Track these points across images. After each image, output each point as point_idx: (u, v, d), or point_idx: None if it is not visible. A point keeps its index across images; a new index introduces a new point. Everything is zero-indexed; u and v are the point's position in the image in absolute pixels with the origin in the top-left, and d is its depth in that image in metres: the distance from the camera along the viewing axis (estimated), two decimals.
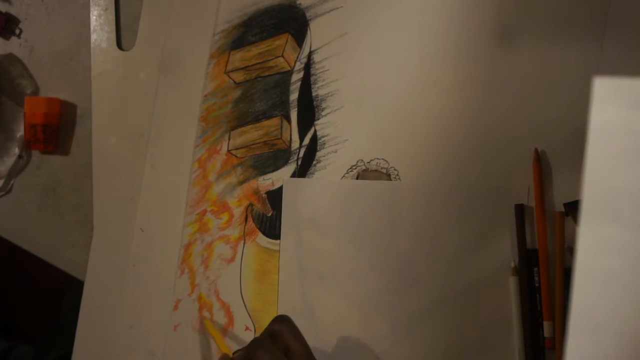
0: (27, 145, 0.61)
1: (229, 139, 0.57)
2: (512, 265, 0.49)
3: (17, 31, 0.64)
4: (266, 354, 0.43)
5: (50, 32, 0.63)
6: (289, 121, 0.56)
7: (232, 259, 0.56)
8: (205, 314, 0.56)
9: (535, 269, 0.48)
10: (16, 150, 0.63)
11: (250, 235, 0.56)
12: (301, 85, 0.55)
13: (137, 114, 0.60)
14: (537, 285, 0.48)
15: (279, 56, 0.56)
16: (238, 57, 0.57)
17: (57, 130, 0.62)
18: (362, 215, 0.53)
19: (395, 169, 0.53)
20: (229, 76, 0.58)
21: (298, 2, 0.56)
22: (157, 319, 0.57)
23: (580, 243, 0.24)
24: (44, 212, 0.63)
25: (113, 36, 0.61)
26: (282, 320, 0.46)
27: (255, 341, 0.45)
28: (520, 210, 0.49)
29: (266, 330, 0.46)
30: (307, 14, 0.55)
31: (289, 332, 0.45)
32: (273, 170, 0.56)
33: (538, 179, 0.48)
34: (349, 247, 0.53)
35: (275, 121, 0.56)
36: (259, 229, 0.56)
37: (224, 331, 0.56)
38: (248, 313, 0.55)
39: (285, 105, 0.56)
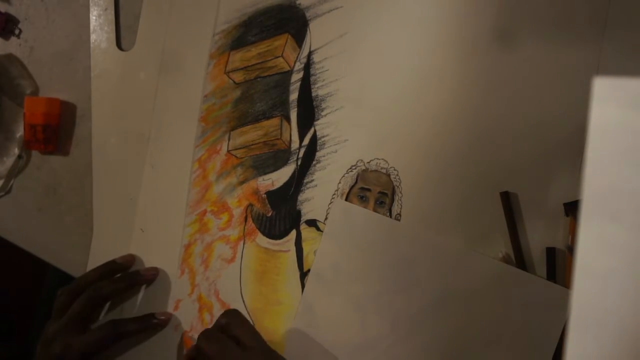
0: (27, 145, 0.61)
1: (229, 139, 0.57)
2: (500, 255, 0.49)
3: (17, 31, 0.64)
4: (214, 344, 0.44)
5: (50, 32, 0.63)
6: (289, 121, 0.56)
7: (232, 259, 0.56)
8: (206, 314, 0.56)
9: None
10: (16, 151, 0.63)
11: (250, 235, 0.56)
12: (301, 86, 0.55)
13: (137, 114, 0.60)
14: None
15: (278, 56, 0.56)
16: (238, 58, 0.57)
17: (57, 130, 0.62)
18: (362, 217, 0.53)
19: (395, 169, 0.53)
20: (228, 76, 0.58)
21: (298, 2, 0.56)
22: None
23: (580, 243, 0.24)
24: (44, 212, 0.63)
25: (113, 36, 0.61)
26: (229, 313, 0.47)
27: (204, 333, 0.46)
28: (507, 198, 0.49)
29: (214, 324, 0.47)
30: (307, 14, 0.55)
31: (236, 323, 0.46)
32: (273, 171, 0.56)
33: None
34: (349, 247, 0.53)
35: (275, 121, 0.56)
36: (259, 229, 0.56)
37: None
38: (248, 313, 0.55)
39: (285, 105, 0.56)
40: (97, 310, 0.57)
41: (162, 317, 0.57)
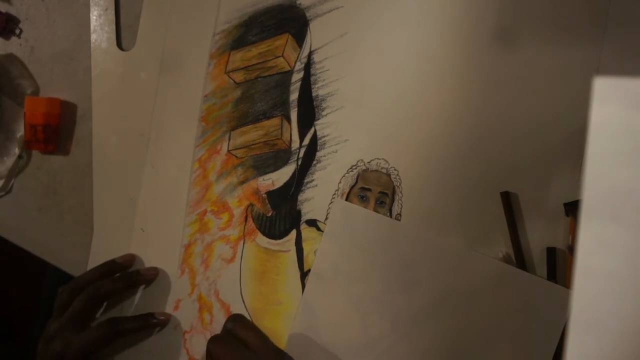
0: (27, 145, 0.61)
1: (229, 139, 0.57)
2: (500, 255, 0.49)
3: (18, 31, 0.64)
4: (224, 347, 0.46)
5: (50, 32, 0.63)
6: (289, 121, 0.56)
7: (232, 259, 0.56)
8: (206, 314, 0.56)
9: None
10: (16, 150, 0.63)
11: (249, 235, 0.56)
12: (301, 85, 0.55)
13: (137, 114, 0.60)
14: None
15: (279, 56, 0.56)
16: (238, 57, 0.57)
17: (58, 130, 0.62)
18: (362, 217, 0.53)
19: (395, 169, 0.53)
20: (229, 76, 0.58)
21: (298, 2, 0.56)
22: None
23: (581, 243, 0.24)
24: (44, 212, 0.63)
25: (113, 36, 0.61)
26: (234, 318, 0.49)
27: (212, 338, 0.47)
28: (507, 197, 0.49)
29: (222, 330, 0.49)
30: (307, 14, 0.55)
31: (242, 326, 0.48)
32: (273, 170, 0.56)
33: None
34: (349, 247, 0.53)
35: (275, 121, 0.56)
36: (259, 229, 0.56)
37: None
38: (248, 313, 0.55)
39: (286, 105, 0.56)
40: (96, 308, 0.57)
41: (162, 318, 0.57)
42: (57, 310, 0.55)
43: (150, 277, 0.58)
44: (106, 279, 0.56)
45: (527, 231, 0.50)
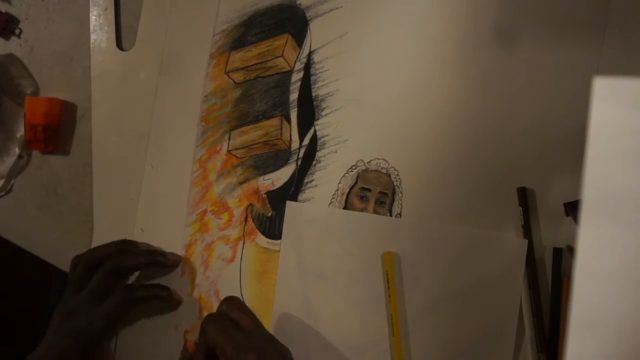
0: (28, 145, 0.62)
1: (229, 139, 0.57)
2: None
3: (17, 31, 0.64)
4: (216, 326, 0.45)
5: (50, 32, 0.63)
6: (289, 121, 0.56)
7: (232, 259, 0.56)
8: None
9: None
10: (16, 150, 0.63)
11: (249, 235, 0.56)
12: (301, 85, 0.55)
13: (137, 114, 0.60)
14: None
15: (278, 56, 0.56)
16: (238, 57, 0.57)
17: (58, 130, 0.62)
18: (362, 216, 0.53)
19: (395, 169, 0.53)
20: (229, 76, 0.58)
21: (298, 2, 0.56)
22: (158, 319, 0.57)
23: (580, 243, 0.24)
24: (44, 212, 0.63)
25: (113, 36, 0.61)
26: (229, 300, 0.49)
27: (206, 317, 0.47)
28: (524, 194, 0.49)
29: (217, 310, 0.48)
30: (307, 14, 0.55)
31: (235, 308, 0.47)
32: (273, 171, 0.56)
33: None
34: (350, 246, 0.53)
35: (275, 121, 0.56)
36: (259, 229, 0.56)
37: None
38: None
39: (285, 105, 0.56)
40: (117, 283, 0.55)
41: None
42: (74, 283, 0.54)
43: (172, 262, 0.57)
44: (124, 254, 0.56)
45: (535, 230, 0.50)
